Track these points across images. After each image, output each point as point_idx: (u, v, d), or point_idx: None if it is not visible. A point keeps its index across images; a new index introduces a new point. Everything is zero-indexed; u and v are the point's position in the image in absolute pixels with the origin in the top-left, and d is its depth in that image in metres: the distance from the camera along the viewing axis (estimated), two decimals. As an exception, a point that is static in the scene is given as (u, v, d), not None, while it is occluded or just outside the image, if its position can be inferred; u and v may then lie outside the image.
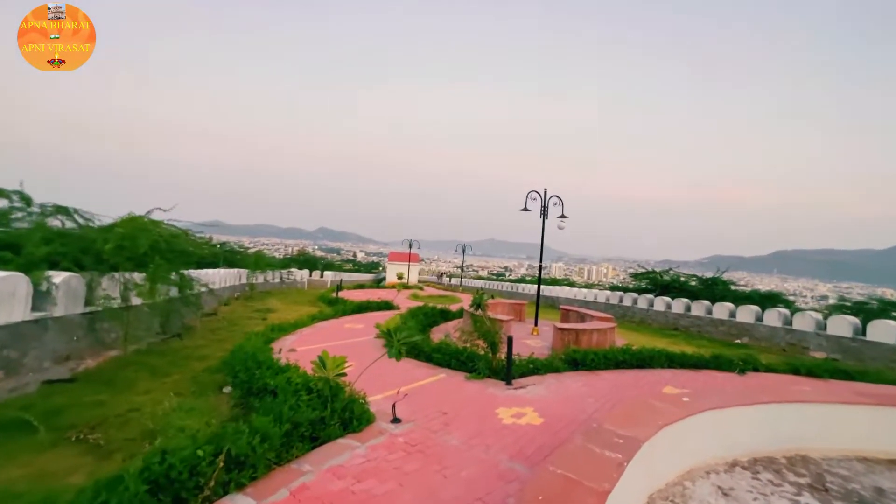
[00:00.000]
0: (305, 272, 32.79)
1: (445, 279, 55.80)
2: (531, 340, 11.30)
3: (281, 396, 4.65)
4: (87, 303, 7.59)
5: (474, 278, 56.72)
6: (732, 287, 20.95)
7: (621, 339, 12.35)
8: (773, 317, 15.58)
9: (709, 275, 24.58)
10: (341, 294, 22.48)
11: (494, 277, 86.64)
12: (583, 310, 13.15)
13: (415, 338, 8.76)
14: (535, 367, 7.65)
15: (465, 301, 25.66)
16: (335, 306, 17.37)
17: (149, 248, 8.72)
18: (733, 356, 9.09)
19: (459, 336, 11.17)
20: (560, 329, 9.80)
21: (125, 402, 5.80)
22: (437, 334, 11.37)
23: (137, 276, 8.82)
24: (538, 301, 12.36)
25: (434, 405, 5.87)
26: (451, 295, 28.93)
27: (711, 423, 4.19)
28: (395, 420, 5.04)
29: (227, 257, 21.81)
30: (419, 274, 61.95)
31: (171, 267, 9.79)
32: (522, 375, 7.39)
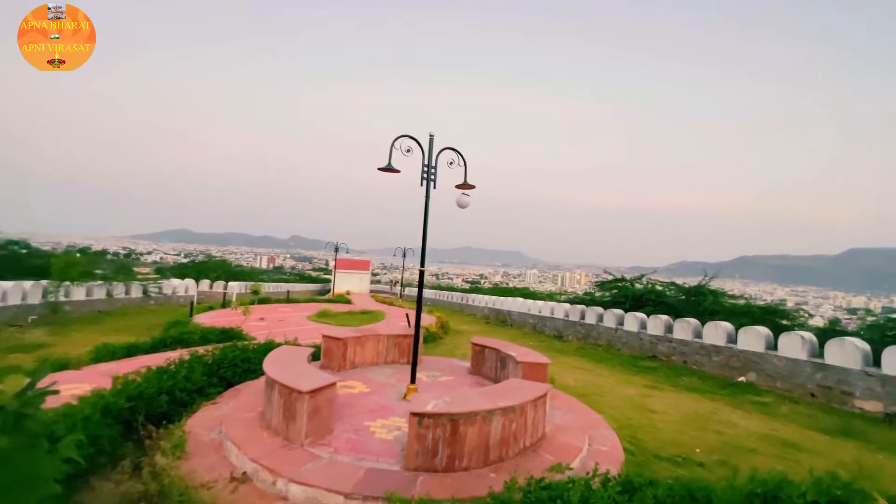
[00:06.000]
0: (204, 284, 26.32)
1: (398, 288, 50.52)
2: (386, 421, 5.67)
3: None
4: None
5: (431, 287, 50.39)
6: (728, 300, 15.99)
7: (572, 377, 7.01)
8: (793, 344, 10.62)
9: (685, 282, 19.89)
10: (202, 318, 16.41)
11: (469, 285, 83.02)
12: (504, 348, 7.61)
13: None
14: None
15: (394, 316, 20.06)
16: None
17: None
18: (840, 496, 3.72)
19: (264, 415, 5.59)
20: (419, 417, 4.30)
21: None
22: (205, 417, 5.75)
23: None
24: (417, 331, 6.78)
25: None
26: (377, 310, 23.16)
27: None
28: None
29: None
30: (371, 283, 55.83)
31: None
32: None
